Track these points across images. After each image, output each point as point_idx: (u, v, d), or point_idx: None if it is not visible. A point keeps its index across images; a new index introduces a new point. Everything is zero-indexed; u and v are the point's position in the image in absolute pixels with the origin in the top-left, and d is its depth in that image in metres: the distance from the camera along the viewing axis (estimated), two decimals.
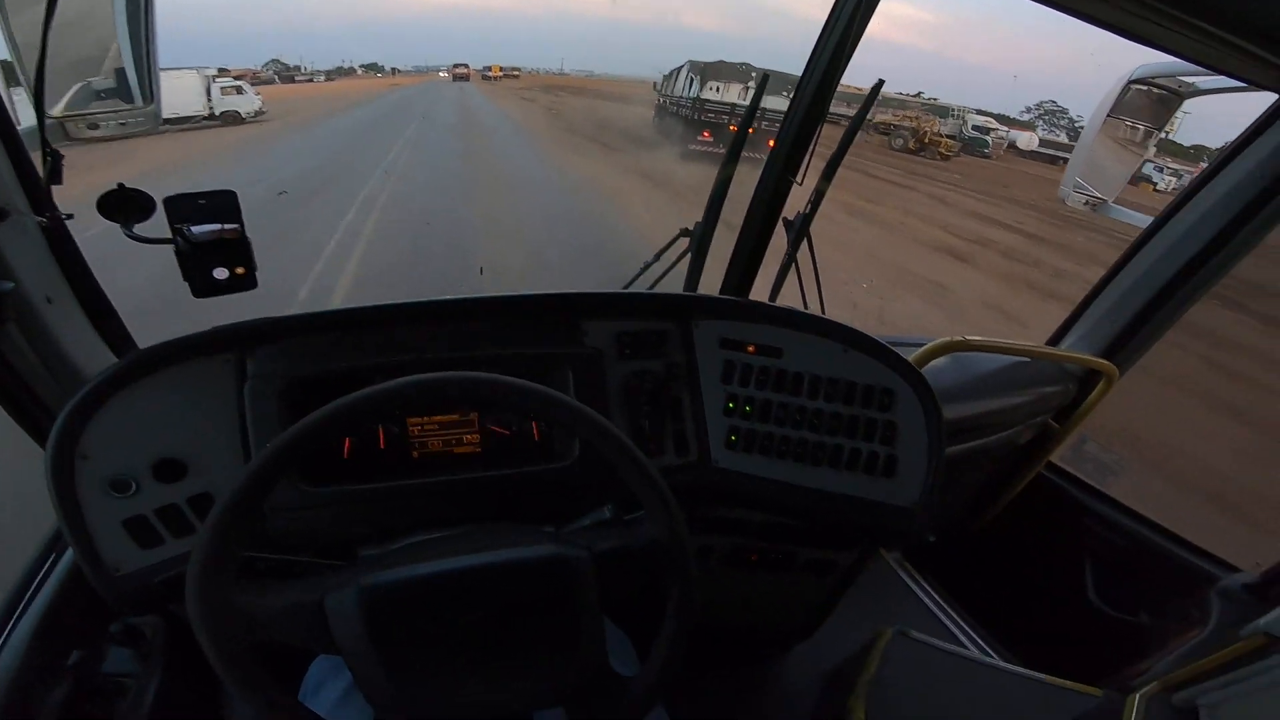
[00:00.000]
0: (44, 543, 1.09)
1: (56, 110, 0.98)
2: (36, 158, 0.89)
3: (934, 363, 1.49)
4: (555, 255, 6.83)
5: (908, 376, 1.12)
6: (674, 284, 1.43)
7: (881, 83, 1.36)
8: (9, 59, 0.95)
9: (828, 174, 1.36)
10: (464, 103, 30.02)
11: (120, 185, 0.89)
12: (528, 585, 0.74)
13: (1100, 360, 1.66)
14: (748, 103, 1.45)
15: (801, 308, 1.27)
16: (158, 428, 0.91)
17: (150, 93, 1.09)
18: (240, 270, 0.95)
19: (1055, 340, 1.80)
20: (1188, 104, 1.64)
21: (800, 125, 1.26)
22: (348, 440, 1.00)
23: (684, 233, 1.42)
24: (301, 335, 1.00)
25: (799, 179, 1.30)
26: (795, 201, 1.37)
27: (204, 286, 0.95)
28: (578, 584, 0.75)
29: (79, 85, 1.02)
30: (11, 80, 0.93)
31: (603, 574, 0.76)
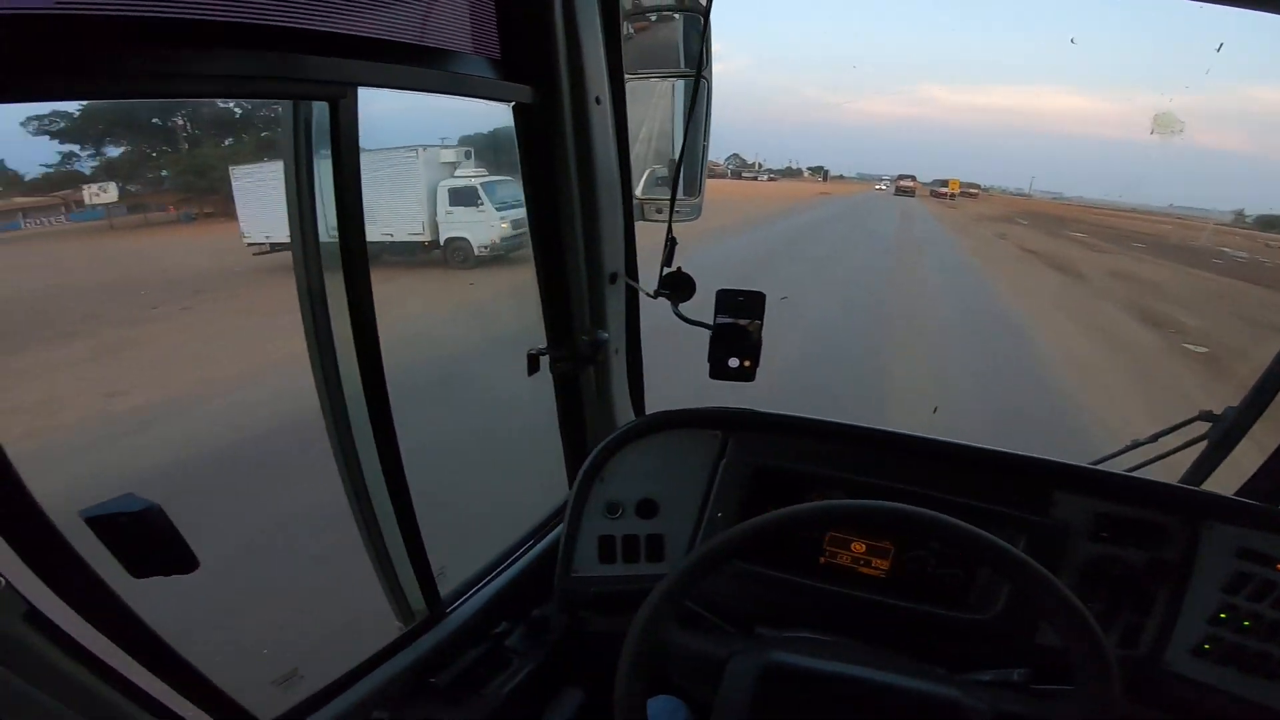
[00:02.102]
0: (527, 531, 1.36)
1: (638, 192, 1.28)
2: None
3: None
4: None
5: None
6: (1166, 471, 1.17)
7: None
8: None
9: None
10: (904, 237, 18.68)
11: (678, 269, 1.13)
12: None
13: None
14: None
15: None
16: (651, 472, 1.15)
17: (698, 187, 1.29)
18: (747, 363, 1.12)
19: None
20: None
21: None
22: None
23: (1205, 416, 1.19)
24: (776, 432, 1.15)
25: None
26: None
27: (719, 370, 1.13)
28: None
29: (647, 172, 1.28)
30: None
31: None
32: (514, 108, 1.03)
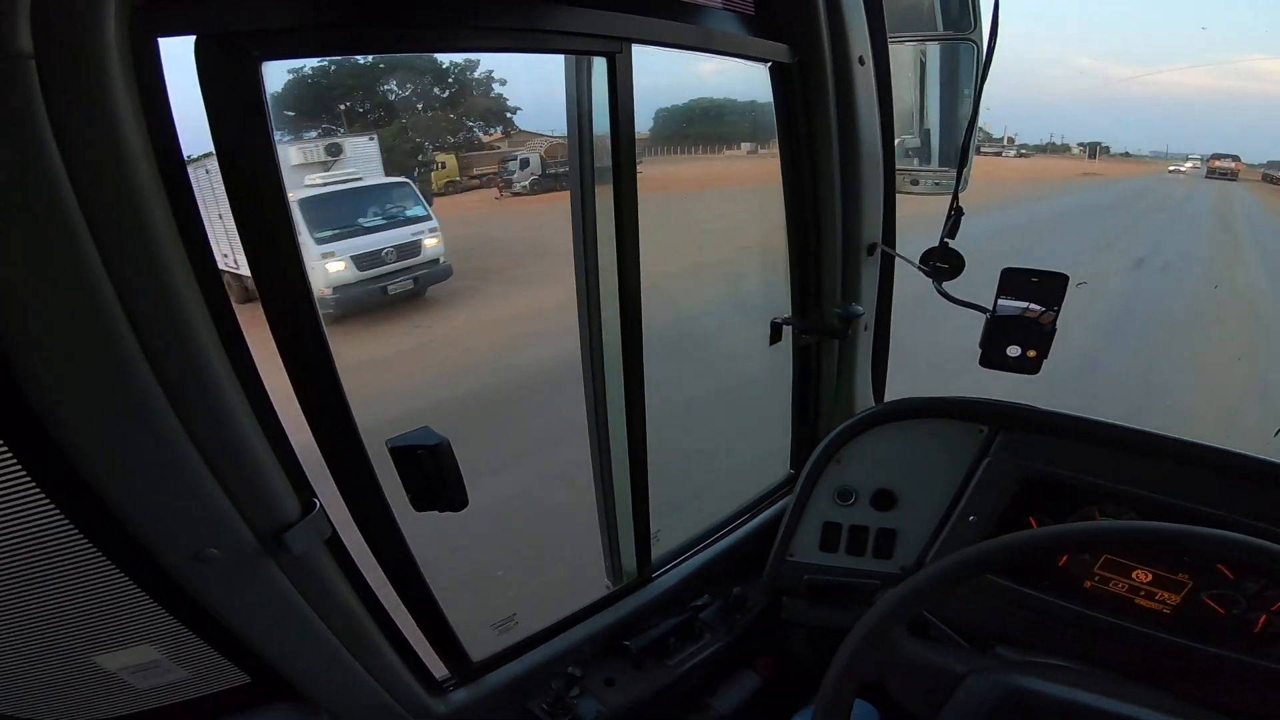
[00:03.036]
0: (745, 504, 1.32)
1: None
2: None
3: None
4: None
5: None
6: None
7: None
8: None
9: None
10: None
11: (943, 242, 1.02)
12: None
13: None
14: None
15: None
16: (894, 461, 1.06)
17: (966, 158, 1.14)
18: (1032, 354, 0.98)
19: None
20: None
21: None
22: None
23: None
24: (1057, 434, 1.00)
25: None
26: None
27: (993, 359, 1.00)
28: None
29: (897, 142, 1.18)
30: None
31: None
32: (771, 68, 1.00)
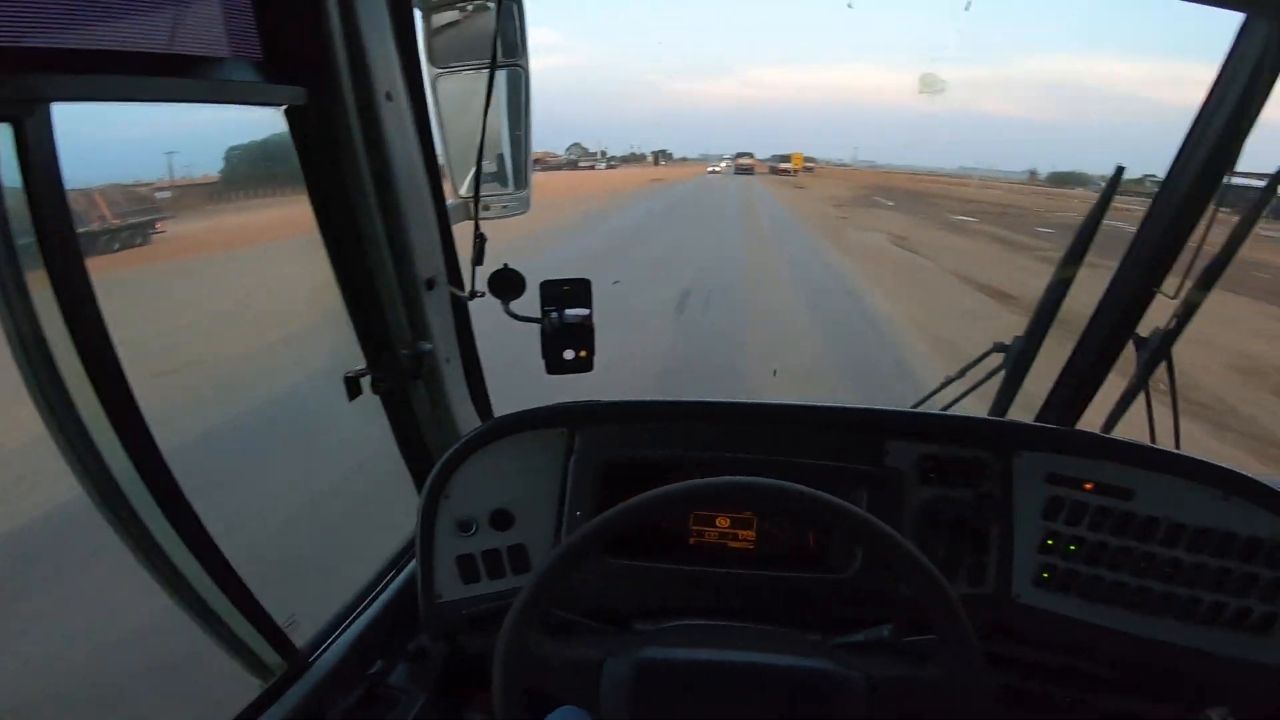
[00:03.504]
0: (387, 561, 1.30)
1: (462, 190, 1.22)
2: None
3: None
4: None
5: None
6: (977, 403, 1.31)
7: None
8: (441, 152, 1.21)
9: (1205, 283, 1.08)
10: (740, 253, 12.02)
11: (505, 265, 1.08)
12: (796, 696, 0.77)
13: None
14: None
15: (1149, 441, 1.13)
16: (500, 481, 1.10)
17: (525, 180, 1.27)
18: (584, 353, 1.10)
19: None
20: None
21: (1168, 227, 1.05)
22: None
23: (998, 347, 1.29)
24: (619, 421, 1.14)
25: (1174, 293, 1.05)
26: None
27: (555, 365, 1.11)
28: (846, 705, 0.76)
29: (473, 169, 1.21)
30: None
31: (875, 701, 0.76)
32: (286, 111, 0.93)
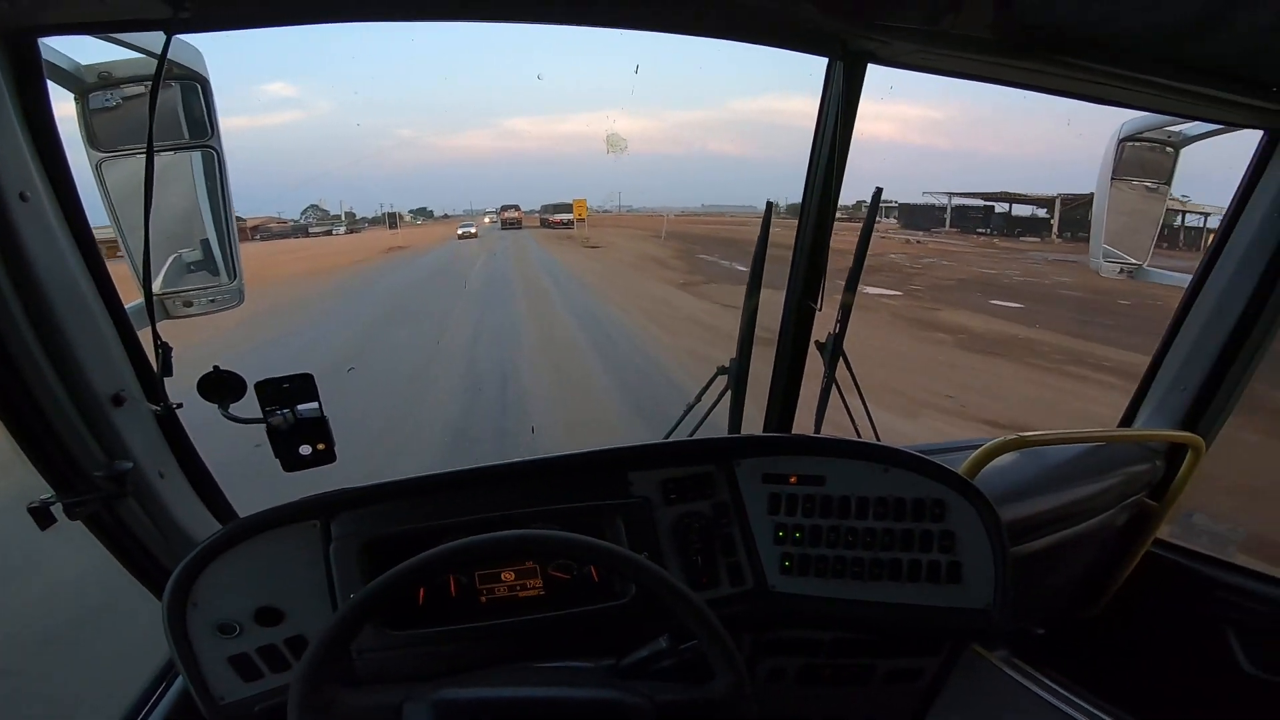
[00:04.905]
0: (155, 673, 1.20)
1: (156, 286, 1.09)
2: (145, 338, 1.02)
3: (1001, 461, 1.46)
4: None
5: (954, 485, 1.15)
6: (719, 422, 1.47)
7: (879, 191, 1.45)
8: (116, 238, 1.09)
9: (849, 287, 1.39)
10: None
11: (216, 368, 1.02)
12: None
13: (1183, 434, 1.59)
14: None
15: (854, 432, 1.34)
16: (258, 581, 1.05)
17: (234, 269, 1.19)
18: (321, 446, 1.08)
19: (1128, 420, 1.75)
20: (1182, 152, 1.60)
21: (810, 249, 1.32)
22: (422, 589, 1.11)
23: (721, 371, 1.47)
24: (376, 502, 1.12)
25: (818, 305, 1.34)
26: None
27: (292, 462, 1.08)
28: None
29: (172, 258, 1.14)
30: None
31: None
32: None
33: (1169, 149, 1.61)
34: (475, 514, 1.11)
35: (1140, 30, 1.00)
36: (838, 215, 1.35)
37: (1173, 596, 1.76)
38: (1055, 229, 21.52)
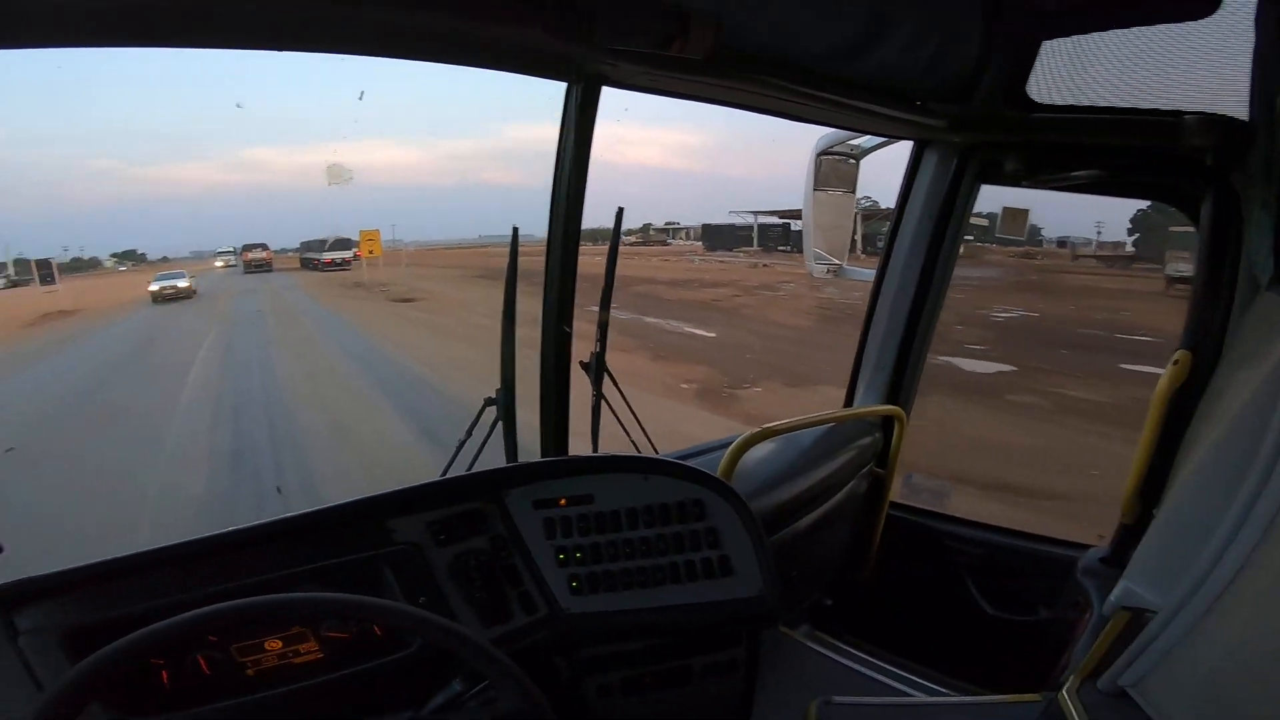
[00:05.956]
0: None
1: None
2: None
3: (754, 454, 1.57)
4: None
5: (707, 483, 1.23)
6: (496, 453, 1.42)
7: (621, 210, 1.50)
8: None
9: (604, 305, 1.41)
10: None
11: None
12: None
13: (888, 408, 1.88)
14: None
15: (630, 444, 1.39)
16: None
17: None
18: None
19: (849, 400, 2.02)
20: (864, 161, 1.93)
21: (560, 272, 1.33)
22: (164, 671, 0.94)
23: (489, 401, 1.42)
24: (78, 588, 0.94)
25: (568, 326, 1.34)
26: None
27: None
28: None
29: None
30: None
31: None
32: None
33: (852, 160, 1.92)
34: (219, 584, 0.96)
35: (815, 50, 1.16)
36: (634, 240, 1.36)
37: (916, 551, 2.04)
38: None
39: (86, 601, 0.94)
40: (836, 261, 1.97)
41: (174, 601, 0.94)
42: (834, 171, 1.91)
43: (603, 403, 1.52)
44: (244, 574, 0.99)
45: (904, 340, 1.86)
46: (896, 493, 2.09)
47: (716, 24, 0.99)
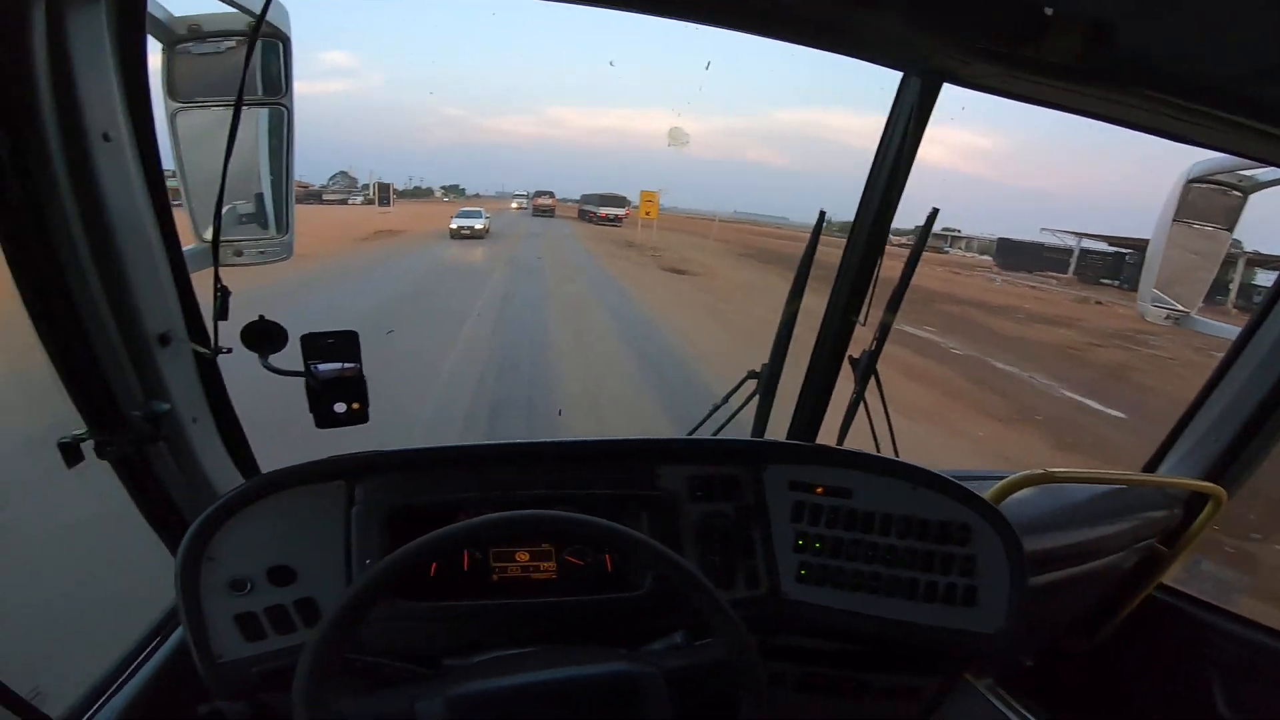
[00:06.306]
0: (152, 625, 1.19)
1: (207, 234, 1.10)
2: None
3: (1021, 494, 1.46)
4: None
5: (981, 511, 1.16)
6: (743, 425, 1.48)
7: (935, 212, 1.40)
8: (183, 193, 1.12)
9: (892, 308, 1.39)
10: None
11: (261, 317, 1.01)
12: (603, 700, 0.83)
13: (1206, 484, 1.59)
14: None
15: (873, 446, 1.34)
16: (275, 538, 1.04)
17: (285, 224, 1.21)
18: (356, 405, 1.07)
19: (1153, 465, 1.75)
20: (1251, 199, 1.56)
21: (859, 264, 1.32)
22: (435, 563, 1.10)
23: (751, 375, 1.47)
24: (403, 469, 1.12)
25: (861, 319, 1.34)
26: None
27: (325, 419, 1.07)
28: (650, 700, 0.83)
29: (227, 209, 1.12)
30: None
31: (674, 691, 0.84)
32: None
33: (1237, 193, 1.57)
34: (501, 492, 1.12)
35: (1230, 70, 0.99)
36: (900, 241, 1.34)
37: (1164, 638, 1.76)
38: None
39: (409, 485, 1.11)
40: (1182, 308, 1.65)
41: (475, 498, 1.11)
42: (1207, 203, 1.58)
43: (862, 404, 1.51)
44: (530, 485, 1.13)
45: (1256, 415, 1.53)
46: (1172, 576, 1.78)
47: (1093, 28, 0.89)
